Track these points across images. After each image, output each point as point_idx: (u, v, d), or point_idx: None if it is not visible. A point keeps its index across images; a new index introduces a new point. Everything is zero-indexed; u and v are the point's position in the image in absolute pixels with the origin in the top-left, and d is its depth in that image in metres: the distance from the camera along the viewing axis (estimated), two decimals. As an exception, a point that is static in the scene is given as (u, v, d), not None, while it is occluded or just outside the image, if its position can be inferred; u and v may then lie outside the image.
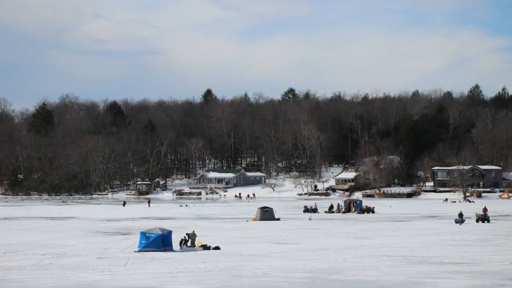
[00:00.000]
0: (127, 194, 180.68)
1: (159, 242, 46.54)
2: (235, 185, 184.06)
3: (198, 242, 49.91)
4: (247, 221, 79.84)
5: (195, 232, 50.93)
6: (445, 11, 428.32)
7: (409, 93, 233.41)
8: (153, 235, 46.98)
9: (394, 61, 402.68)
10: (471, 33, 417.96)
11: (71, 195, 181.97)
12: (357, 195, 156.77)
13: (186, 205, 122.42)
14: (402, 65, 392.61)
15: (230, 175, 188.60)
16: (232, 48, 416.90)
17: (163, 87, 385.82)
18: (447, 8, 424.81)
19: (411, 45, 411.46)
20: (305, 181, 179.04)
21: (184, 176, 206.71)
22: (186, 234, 50.49)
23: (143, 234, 47.47)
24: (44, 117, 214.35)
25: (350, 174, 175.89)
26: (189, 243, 49.50)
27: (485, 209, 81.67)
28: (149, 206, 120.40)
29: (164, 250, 46.20)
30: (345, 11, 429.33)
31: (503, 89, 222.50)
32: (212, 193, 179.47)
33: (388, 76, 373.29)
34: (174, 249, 47.37)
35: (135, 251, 46.09)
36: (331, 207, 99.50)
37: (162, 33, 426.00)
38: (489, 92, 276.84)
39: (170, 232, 48.29)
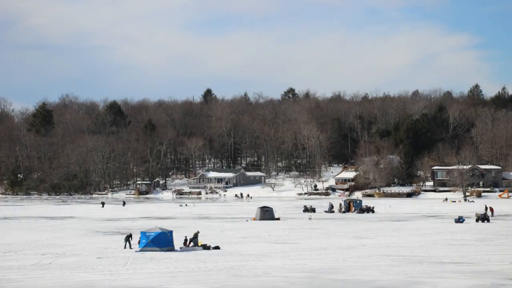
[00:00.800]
0: (127, 194, 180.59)
1: (159, 240, 46.58)
2: (235, 185, 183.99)
3: (198, 242, 49.96)
4: (247, 220, 79.85)
5: (197, 233, 50.95)
6: (400, 5, 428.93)
7: (409, 92, 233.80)
8: (153, 233, 47.05)
9: (353, 59, 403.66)
10: (430, 29, 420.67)
11: (71, 195, 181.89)
12: (357, 194, 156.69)
13: (186, 205, 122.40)
14: (361, 64, 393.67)
15: (230, 174, 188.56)
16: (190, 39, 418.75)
17: (111, 84, 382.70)
18: (402, 3, 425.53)
19: (372, 43, 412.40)
20: (305, 181, 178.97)
21: (184, 175, 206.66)
22: (186, 236, 50.48)
23: (144, 233, 47.51)
24: (44, 116, 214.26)
25: (350, 174, 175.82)
26: (191, 244, 49.49)
27: (491, 209, 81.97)
28: (124, 205, 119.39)
29: (164, 250, 46.21)
30: (302, 8, 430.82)
31: (503, 88, 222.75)
32: (212, 192, 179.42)
33: (347, 76, 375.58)
34: (174, 249, 47.37)
35: (136, 251, 46.10)
36: (332, 207, 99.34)
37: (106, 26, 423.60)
38: (489, 91, 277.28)
39: (170, 232, 48.30)
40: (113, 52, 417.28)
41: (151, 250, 45.72)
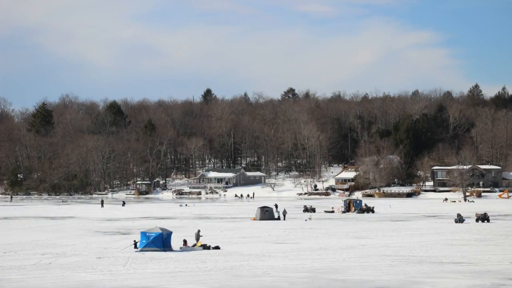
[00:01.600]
0: (126, 194, 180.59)
1: (159, 240, 46.57)
2: (235, 185, 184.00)
3: (198, 241, 49.99)
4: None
5: (199, 232, 51.14)
6: (357, 2, 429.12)
7: (409, 92, 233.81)
8: (153, 234, 47.03)
9: (321, 57, 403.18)
10: (392, 26, 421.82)
11: (70, 195, 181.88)
12: (357, 194, 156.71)
13: (186, 205, 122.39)
14: (323, 62, 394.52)
15: (230, 174, 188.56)
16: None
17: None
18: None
19: (335, 41, 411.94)
20: (304, 181, 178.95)
21: (184, 176, 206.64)
22: (185, 239, 50.54)
23: (144, 234, 47.51)
24: (44, 116, 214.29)
25: (350, 174, 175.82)
26: (189, 244, 49.53)
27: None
28: (102, 206, 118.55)
29: (164, 250, 46.22)
30: (260, 5, 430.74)
31: (503, 88, 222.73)
32: (212, 192, 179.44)
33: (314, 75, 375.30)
34: (173, 249, 47.38)
35: (136, 251, 46.10)
36: (348, 205, 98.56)
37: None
38: (489, 91, 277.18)
39: (170, 233, 48.29)
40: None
41: (151, 250, 45.72)
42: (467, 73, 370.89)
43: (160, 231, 47.46)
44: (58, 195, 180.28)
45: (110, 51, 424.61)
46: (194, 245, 49.19)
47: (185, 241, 49.47)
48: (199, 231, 51.81)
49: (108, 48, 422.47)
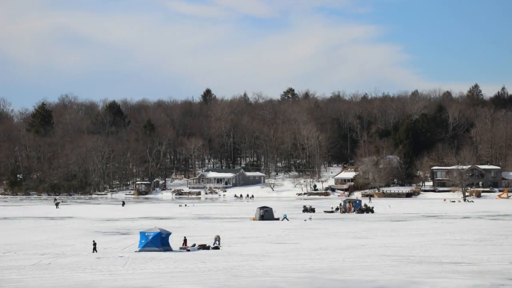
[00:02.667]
0: (126, 194, 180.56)
1: (158, 240, 46.61)
2: (235, 185, 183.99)
3: (197, 242, 50.01)
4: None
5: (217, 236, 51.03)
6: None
7: (409, 93, 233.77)
8: (152, 233, 47.08)
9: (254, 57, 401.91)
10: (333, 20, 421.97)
11: (70, 195, 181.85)
12: (357, 195, 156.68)
13: (186, 205, 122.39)
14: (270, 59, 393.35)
15: (229, 175, 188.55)
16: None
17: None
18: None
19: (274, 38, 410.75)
20: (304, 181, 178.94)
21: (183, 176, 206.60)
22: (185, 237, 50.54)
23: (143, 234, 47.53)
24: (43, 117, 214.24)
25: (349, 174, 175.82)
26: (189, 244, 49.53)
27: None
28: (57, 207, 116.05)
29: (163, 250, 46.24)
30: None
31: (503, 88, 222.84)
32: (211, 193, 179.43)
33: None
34: (172, 249, 47.40)
35: (135, 251, 46.10)
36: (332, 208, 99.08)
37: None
38: (488, 91, 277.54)
39: (168, 234, 48.30)
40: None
41: (150, 250, 45.73)
42: (458, 73, 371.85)
43: (159, 231, 47.51)
44: (57, 195, 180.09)
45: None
46: (194, 245, 49.20)
47: (185, 241, 49.48)
48: (218, 237, 51.20)
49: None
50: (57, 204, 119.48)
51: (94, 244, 47.16)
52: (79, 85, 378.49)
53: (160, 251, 45.87)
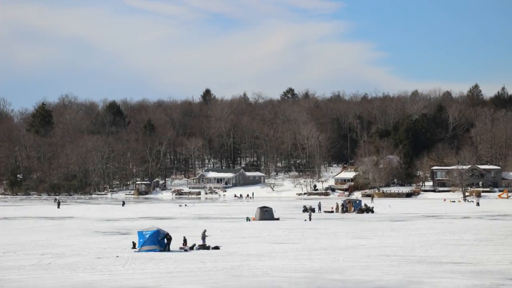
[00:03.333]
0: (126, 194, 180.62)
1: (155, 238, 46.62)
2: (235, 185, 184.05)
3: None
4: (248, 220, 79.79)
5: (205, 232, 51.15)
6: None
7: (409, 92, 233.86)
8: (149, 232, 47.12)
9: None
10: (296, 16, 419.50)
11: (70, 195, 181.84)
12: (357, 195, 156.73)
13: (186, 205, 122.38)
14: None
15: (229, 175, 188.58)
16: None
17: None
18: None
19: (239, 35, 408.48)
20: (304, 181, 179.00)
21: (183, 176, 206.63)
22: (184, 237, 50.57)
23: (140, 233, 47.54)
24: (43, 117, 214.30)
25: (349, 174, 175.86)
26: (189, 244, 49.51)
27: None
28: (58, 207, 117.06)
29: (162, 250, 46.24)
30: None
31: (503, 88, 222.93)
32: (211, 193, 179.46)
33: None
34: (170, 249, 47.38)
35: (135, 251, 46.10)
36: (337, 206, 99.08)
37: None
38: (488, 91, 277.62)
39: (164, 233, 48.28)
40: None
41: (149, 249, 45.73)
42: (455, 73, 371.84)
43: (156, 229, 47.58)
44: (57, 195, 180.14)
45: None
46: (194, 245, 49.19)
47: (185, 241, 49.47)
48: (205, 231, 51.69)
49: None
50: (58, 204, 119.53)
51: (134, 244, 47.48)
52: (78, 85, 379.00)
53: (159, 250, 45.88)
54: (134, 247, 47.59)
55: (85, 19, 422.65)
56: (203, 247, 48.31)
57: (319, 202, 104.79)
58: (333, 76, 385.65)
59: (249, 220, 79.26)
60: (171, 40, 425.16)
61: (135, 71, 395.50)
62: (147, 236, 46.61)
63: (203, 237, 50.26)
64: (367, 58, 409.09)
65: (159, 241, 46.77)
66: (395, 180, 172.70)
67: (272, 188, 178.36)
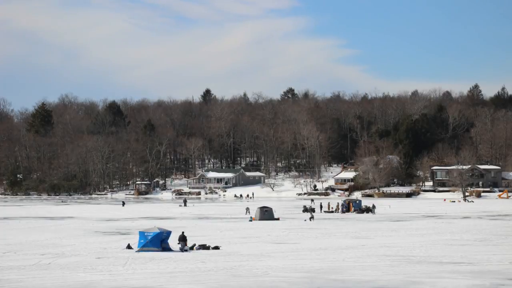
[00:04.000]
0: (126, 194, 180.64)
1: (158, 240, 46.52)
2: (235, 185, 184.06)
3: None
4: (251, 219, 79.79)
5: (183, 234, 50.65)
6: None
7: (409, 93, 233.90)
8: (152, 233, 46.96)
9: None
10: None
11: (70, 195, 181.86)
12: (357, 195, 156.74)
13: (185, 205, 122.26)
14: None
15: (229, 175, 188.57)
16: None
17: None
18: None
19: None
20: (304, 181, 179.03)
21: (183, 176, 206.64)
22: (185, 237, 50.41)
23: (142, 233, 47.43)
24: (43, 117, 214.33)
25: (349, 174, 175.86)
26: (181, 245, 49.30)
27: None
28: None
29: (163, 250, 46.19)
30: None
31: (503, 88, 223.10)
32: (211, 193, 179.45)
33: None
34: (173, 249, 47.35)
35: (135, 251, 46.07)
36: (328, 206, 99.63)
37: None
38: (488, 91, 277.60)
39: (169, 233, 48.24)
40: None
41: (149, 250, 45.68)
42: (455, 73, 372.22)
43: (159, 231, 47.40)
44: (57, 195, 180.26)
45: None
46: (194, 245, 49.15)
47: (185, 240, 49.38)
48: (183, 232, 50.92)
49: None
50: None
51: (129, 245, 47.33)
52: (77, 85, 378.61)
53: (160, 251, 45.83)
54: (129, 247, 47.47)
55: (35, 12, 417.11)
56: (203, 247, 48.28)
57: (320, 203, 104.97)
58: (302, 73, 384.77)
59: (251, 220, 79.40)
60: (124, 35, 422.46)
61: (92, 67, 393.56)
62: (149, 237, 46.49)
63: (182, 239, 49.20)
64: (337, 56, 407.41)
65: (161, 243, 46.64)
66: (395, 180, 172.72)
67: (272, 188, 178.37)
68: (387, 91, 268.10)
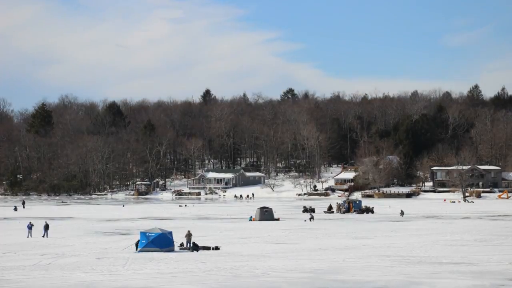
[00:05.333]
0: (126, 195, 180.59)
1: (159, 241, 46.55)
2: (235, 185, 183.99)
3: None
4: (251, 219, 79.83)
5: (190, 232, 50.87)
6: None
7: (409, 93, 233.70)
8: (153, 234, 46.99)
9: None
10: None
11: (70, 196, 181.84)
12: (357, 195, 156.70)
13: (186, 205, 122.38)
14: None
15: (229, 175, 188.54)
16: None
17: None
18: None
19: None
20: (304, 181, 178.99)
21: (183, 176, 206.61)
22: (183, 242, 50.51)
23: (143, 234, 47.45)
24: (43, 117, 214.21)
25: (349, 174, 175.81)
26: (185, 244, 49.42)
27: None
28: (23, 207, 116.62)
29: (164, 250, 46.21)
30: None
31: (503, 89, 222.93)
32: (211, 193, 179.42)
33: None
34: (174, 249, 47.40)
35: (135, 251, 46.09)
36: (330, 207, 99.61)
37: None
38: (488, 92, 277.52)
39: (170, 233, 48.29)
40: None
41: (151, 251, 45.70)
42: (456, 72, 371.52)
43: (160, 232, 47.44)
44: (57, 196, 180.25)
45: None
46: (194, 245, 49.20)
47: (183, 243, 49.48)
48: (189, 231, 51.25)
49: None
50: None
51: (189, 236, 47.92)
52: (78, 85, 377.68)
53: (161, 251, 45.85)
54: (137, 245, 47.43)
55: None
56: (204, 247, 48.32)
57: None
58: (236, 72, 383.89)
59: (251, 220, 79.46)
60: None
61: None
62: (150, 238, 46.50)
63: (189, 239, 49.69)
64: (278, 52, 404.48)
65: (163, 243, 46.63)
66: (395, 180, 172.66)
67: (272, 189, 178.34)
68: (387, 91, 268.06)
